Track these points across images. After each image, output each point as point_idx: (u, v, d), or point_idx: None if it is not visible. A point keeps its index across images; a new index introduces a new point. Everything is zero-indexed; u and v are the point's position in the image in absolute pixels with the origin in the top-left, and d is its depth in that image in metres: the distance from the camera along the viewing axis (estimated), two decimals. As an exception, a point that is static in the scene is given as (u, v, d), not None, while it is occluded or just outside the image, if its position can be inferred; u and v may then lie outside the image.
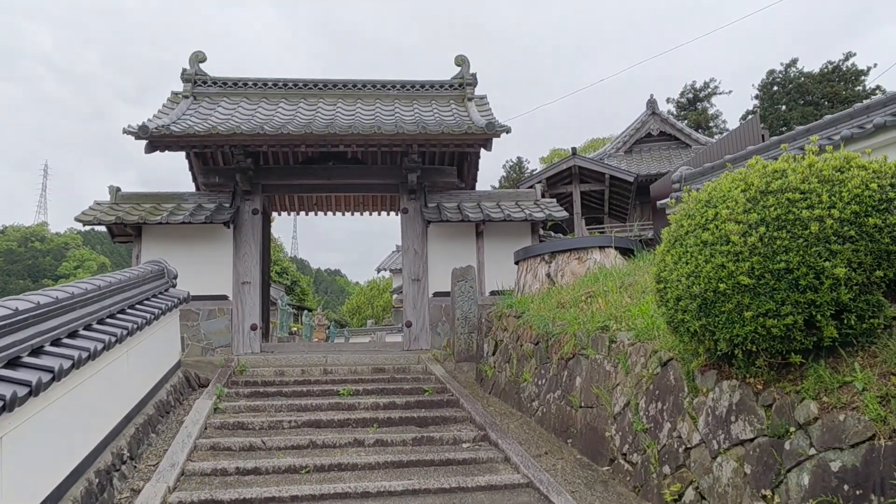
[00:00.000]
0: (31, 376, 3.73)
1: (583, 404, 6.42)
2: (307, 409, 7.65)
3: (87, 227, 11.60)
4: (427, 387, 8.65)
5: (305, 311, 24.74)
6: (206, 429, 6.79)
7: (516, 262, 10.64)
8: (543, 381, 7.37)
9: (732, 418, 4.35)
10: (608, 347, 6.25)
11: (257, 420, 7.00)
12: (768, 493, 3.91)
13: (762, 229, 3.83)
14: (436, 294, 12.00)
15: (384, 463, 5.86)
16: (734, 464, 4.28)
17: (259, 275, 11.78)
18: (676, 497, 4.88)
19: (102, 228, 11.95)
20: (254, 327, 11.55)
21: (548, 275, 9.67)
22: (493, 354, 8.98)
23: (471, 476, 5.62)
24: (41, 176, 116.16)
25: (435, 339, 11.82)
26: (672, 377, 5.23)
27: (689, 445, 4.84)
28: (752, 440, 4.16)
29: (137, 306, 6.84)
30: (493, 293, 11.88)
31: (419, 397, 8.19)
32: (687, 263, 4.27)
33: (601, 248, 9.52)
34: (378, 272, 44.00)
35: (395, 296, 41.01)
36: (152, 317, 6.77)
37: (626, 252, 9.72)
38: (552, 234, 12.44)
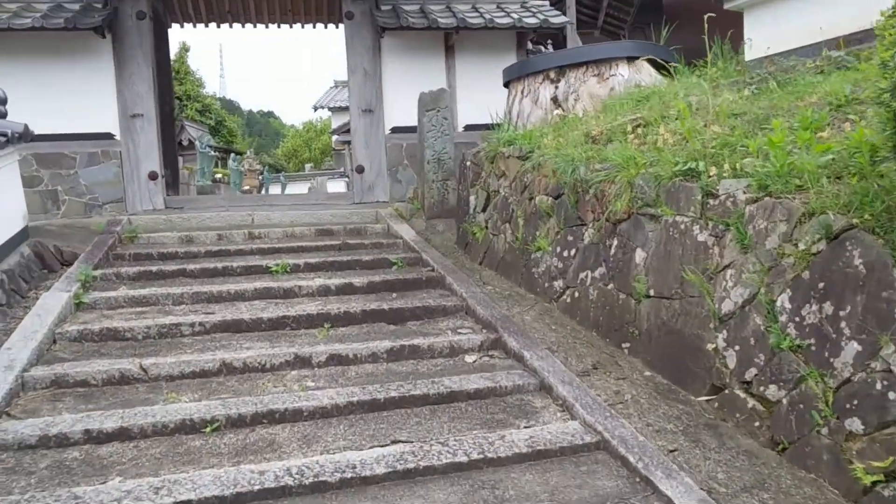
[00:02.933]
0: None
1: (652, 292, 4.11)
2: (221, 298, 5.13)
3: None
4: (394, 257, 6.20)
5: (233, 156, 21.60)
6: (53, 343, 4.24)
7: (506, 84, 7.92)
8: (572, 251, 5.00)
9: None
10: (700, 204, 3.84)
11: (141, 324, 4.46)
12: None
13: None
14: (394, 130, 9.25)
15: (346, 406, 3.50)
16: None
17: (155, 105, 8.71)
18: (881, 477, 2.71)
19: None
20: (153, 175, 8.67)
21: (554, 99, 7.03)
22: (484, 211, 6.52)
23: (493, 429, 3.33)
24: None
25: (395, 187, 9.24)
26: (858, 258, 2.89)
27: (925, 394, 2.61)
28: None
29: None
30: (468, 128, 9.21)
31: (385, 275, 5.76)
32: None
33: (629, 59, 6.87)
34: (315, 110, 40.13)
35: (335, 137, 37.61)
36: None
37: (658, 67, 7.12)
38: (542, 48, 9.63)
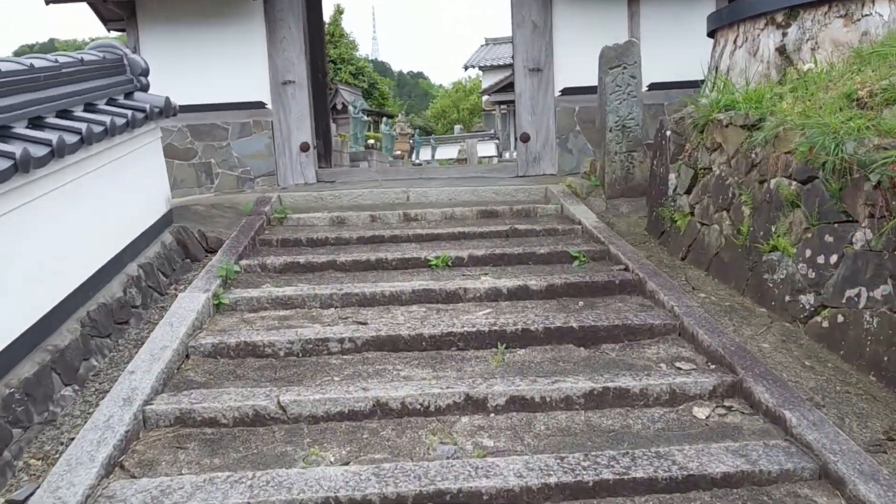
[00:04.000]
0: None
1: None
2: (375, 301, 4.31)
3: (59, 3, 8.04)
4: (575, 249, 5.11)
5: (385, 119, 21.22)
6: (185, 359, 3.61)
7: (711, 34, 6.47)
8: (833, 258, 3.66)
9: None
10: None
11: (283, 338, 3.72)
12: None
13: None
14: (565, 91, 8.05)
15: (540, 490, 2.51)
16: None
17: (306, 70, 8.10)
18: None
19: (86, 8, 8.41)
20: (305, 147, 8.12)
21: (780, 50, 5.53)
22: (689, 192, 5.22)
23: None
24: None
25: (564, 158, 8.08)
26: None
27: None
28: None
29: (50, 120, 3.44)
30: (653, 86, 7.81)
31: (566, 274, 4.69)
32: None
33: (891, -7, 5.21)
34: (465, 70, 39.24)
35: (485, 97, 36.59)
36: (79, 140, 3.39)
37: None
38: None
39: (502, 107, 34.75)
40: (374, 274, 4.88)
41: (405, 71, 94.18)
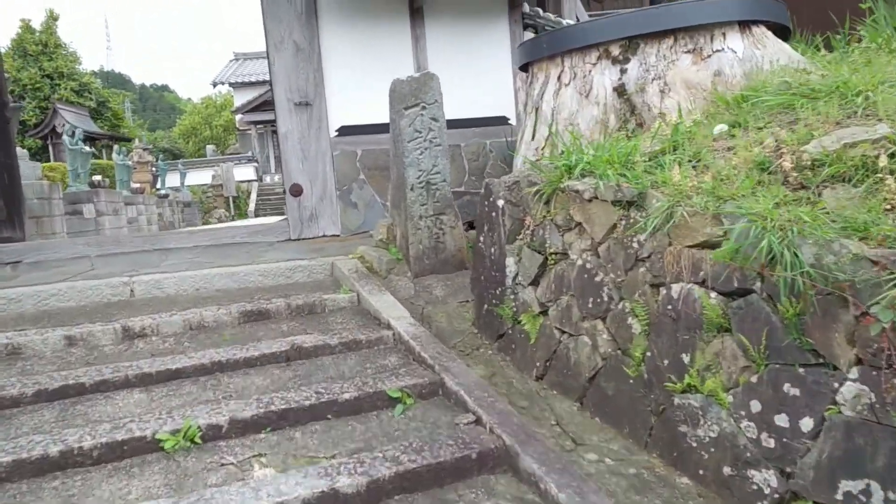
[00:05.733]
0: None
1: None
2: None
3: None
4: (393, 386, 3.44)
5: (117, 147, 17.68)
6: None
7: (524, 67, 5.22)
8: (804, 420, 2.42)
9: None
10: None
11: None
12: None
13: None
14: (344, 130, 6.40)
15: None
16: None
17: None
18: None
19: None
20: (-33, 216, 5.49)
21: (619, 90, 4.39)
22: (537, 284, 3.83)
23: None
24: None
25: (349, 215, 6.42)
26: None
27: None
28: None
29: None
30: (450, 125, 6.46)
31: (389, 444, 3.00)
32: None
33: (742, 24, 4.30)
34: (214, 86, 35.88)
35: (238, 116, 33.66)
36: None
37: (783, 37, 4.61)
38: (541, 13, 6.93)
39: (258, 126, 32.18)
40: (56, 487, 2.76)
41: (148, 84, 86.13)
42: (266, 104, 31.10)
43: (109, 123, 28.52)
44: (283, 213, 26.34)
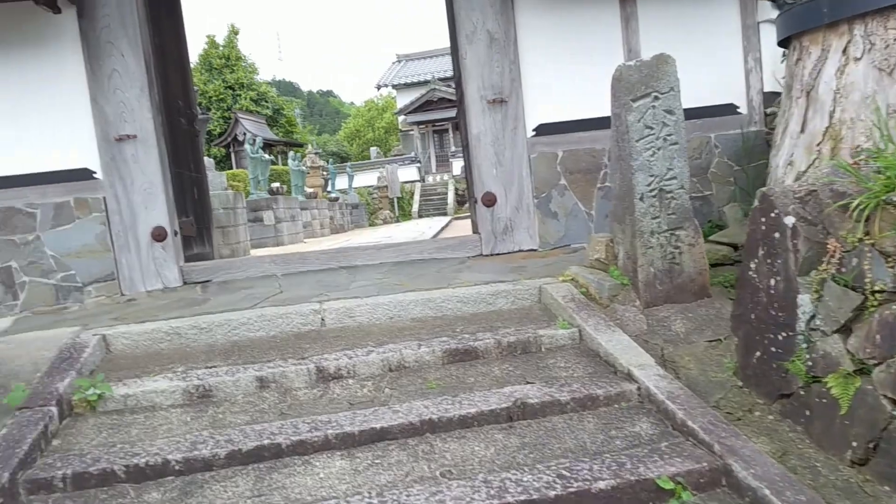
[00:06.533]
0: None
1: None
2: None
3: None
4: (661, 471, 2.59)
5: (292, 154, 18.30)
6: None
7: (784, 42, 4.14)
8: None
9: None
10: None
11: None
12: None
13: None
14: (542, 129, 5.61)
15: None
16: None
17: (154, 116, 5.34)
18: None
19: None
20: (159, 234, 5.34)
21: (949, 61, 3.22)
22: (849, 333, 2.80)
23: None
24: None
25: (548, 227, 5.63)
26: None
27: None
28: None
29: None
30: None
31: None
32: None
33: None
34: (378, 89, 36.73)
35: (401, 118, 34.15)
36: None
37: None
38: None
39: (421, 127, 32.42)
40: None
41: (314, 90, 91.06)
42: (428, 104, 31.26)
43: (284, 130, 29.94)
44: (445, 213, 26.25)
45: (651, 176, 4.08)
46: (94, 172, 5.33)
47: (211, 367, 3.74)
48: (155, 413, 3.39)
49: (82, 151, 5.29)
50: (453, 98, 30.82)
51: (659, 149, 4.08)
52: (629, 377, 3.33)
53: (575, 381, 3.36)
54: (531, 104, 5.55)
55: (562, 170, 5.59)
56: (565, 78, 5.54)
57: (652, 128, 4.07)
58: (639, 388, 3.24)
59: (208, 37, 29.89)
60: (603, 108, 5.51)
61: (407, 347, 3.78)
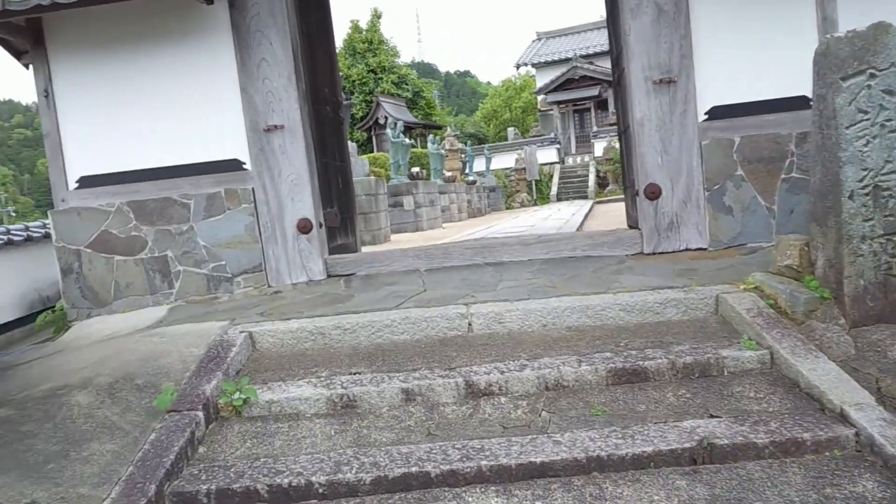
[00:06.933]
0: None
1: None
2: None
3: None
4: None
5: (431, 137, 18.21)
6: None
7: None
8: None
9: None
10: None
11: None
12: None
13: None
14: (716, 112, 4.96)
15: None
16: None
17: (301, 106, 5.25)
18: None
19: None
20: (305, 226, 5.26)
21: None
22: None
23: None
24: None
25: (720, 224, 4.98)
26: None
27: None
28: None
29: None
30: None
31: None
32: None
33: None
34: (517, 68, 36.12)
35: (540, 97, 33.37)
36: None
37: None
38: None
39: (561, 106, 31.52)
40: None
41: (452, 71, 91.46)
42: (569, 83, 30.28)
43: (423, 112, 30.16)
44: (585, 197, 25.33)
45: (863, 170, 3.39)
46: (244, 163, 5.33)
47: (355, 374, 3.54)
48: (298, 423, 3.22)
49: (233, 142, 5.30)
50: (596, 76, 29.75)
51: (874, 137, 3.38)
52: (843, 418, 2.74)
53: (772, 419, 2.82)
54: (703, 84, 4.90)
55: (738, 158, 4.91)
56: (744, 52, 4.85)
57: (866, 112, 3.37)
58: (857, 434, 2.64)
59: (352, 21, 30.60)
60: (789, 87, 4.81)
61: (565, 364, 3.37)
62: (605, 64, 30.86)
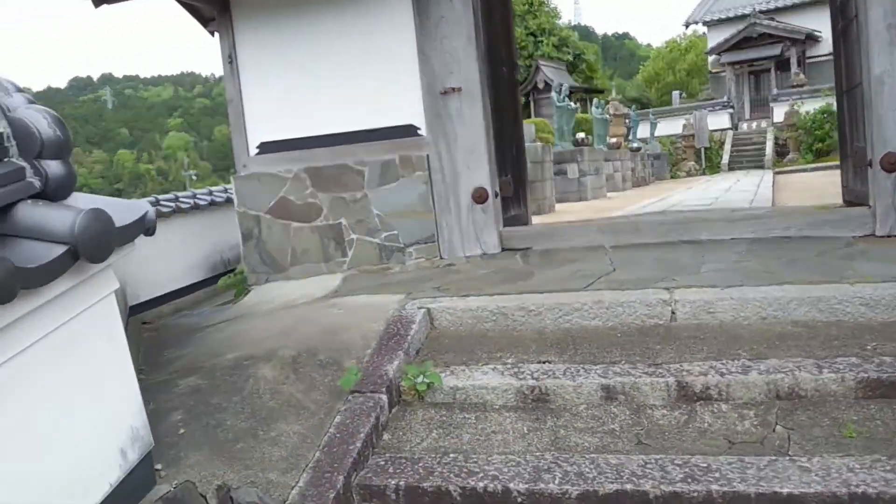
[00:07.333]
0: None
1: None
2: None
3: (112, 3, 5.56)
4: None
5: (595, 101, 17.28)
6: None
7: None
8: None
9: None
10: None
11: None
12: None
13: None
14: None
15: None
16: None
17: (479, 68, 4.92)
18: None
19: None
20: (480, 196, 4.97)
21: None
22: None
23: None
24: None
25: None
26: None
27: None
28: None
29: None
30: None
31: None
32: None
33: None
34: (686, 27, 33.73)
35: (712, 58, 30.97)
36: None
37: None
38: None
39: (735, 67, 29.07)
40: None
41: (609, 33, 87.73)
42: (746, 41, 27.80)
43: (584, 76, 29.02)
44: (761, 167, 23.22)
45: None
46: (419, 129, 5.10)
47: (544, 363, 3.19)
48: (486, 414, 2.94)
49: (408, 107, 5.08)
50: (777, 34, 27.01)
51: None
52: None
53: None
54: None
55: None
56: None
57: None
58: None
59: (515, -17, 29.87)
60: None
61: (801, 368, 2.82)
62: (789, 19, 27.96)
